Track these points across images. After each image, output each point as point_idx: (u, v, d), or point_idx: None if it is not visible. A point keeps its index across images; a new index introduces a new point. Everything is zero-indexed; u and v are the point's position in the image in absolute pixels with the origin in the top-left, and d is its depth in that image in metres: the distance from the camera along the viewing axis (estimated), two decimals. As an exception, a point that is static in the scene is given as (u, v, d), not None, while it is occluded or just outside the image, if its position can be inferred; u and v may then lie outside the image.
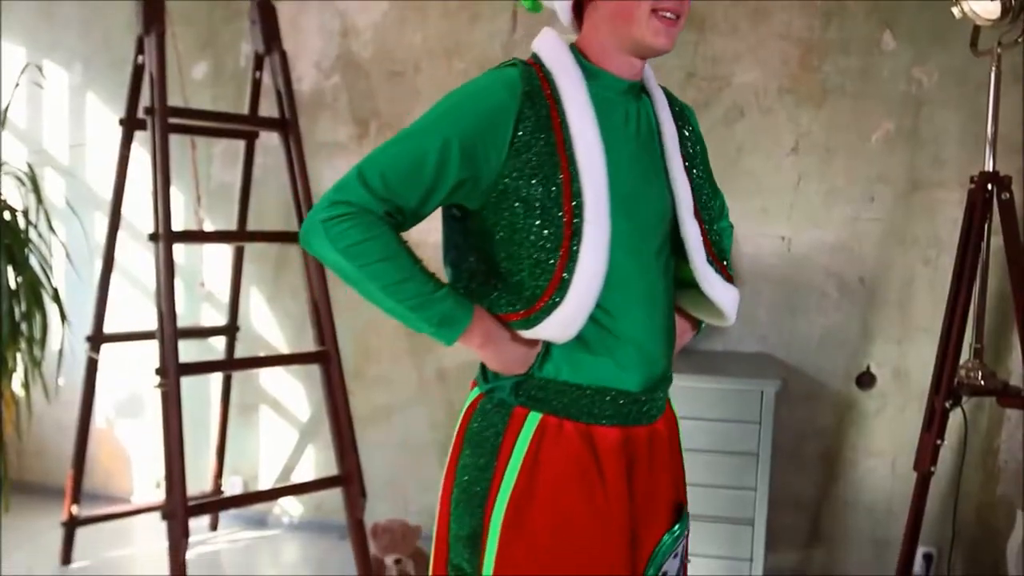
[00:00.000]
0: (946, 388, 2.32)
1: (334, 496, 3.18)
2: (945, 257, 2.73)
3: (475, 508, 1.29)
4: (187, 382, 2.24)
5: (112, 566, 3.02)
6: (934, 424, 2.33)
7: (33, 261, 2.11)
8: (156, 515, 2.20)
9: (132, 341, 2.97)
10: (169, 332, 2.19)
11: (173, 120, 2.43)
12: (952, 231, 2.63)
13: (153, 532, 3.12)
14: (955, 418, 2.51)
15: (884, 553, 2.94)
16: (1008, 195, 2.29)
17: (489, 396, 1.32)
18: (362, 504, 2.43)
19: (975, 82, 2.64)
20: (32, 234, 2.14)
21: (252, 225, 3.11)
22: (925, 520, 2.48)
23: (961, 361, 2.41)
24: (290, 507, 3.44)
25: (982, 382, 2.40)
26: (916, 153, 2.79)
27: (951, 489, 2.84)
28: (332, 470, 2.56)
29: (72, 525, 2.99)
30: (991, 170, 2.32)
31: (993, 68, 2.30)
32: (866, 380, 2.89)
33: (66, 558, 2.99)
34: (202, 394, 3.33)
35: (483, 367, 1.34)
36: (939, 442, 2.33)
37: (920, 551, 2.86)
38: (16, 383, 2.11)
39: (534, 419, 1.26)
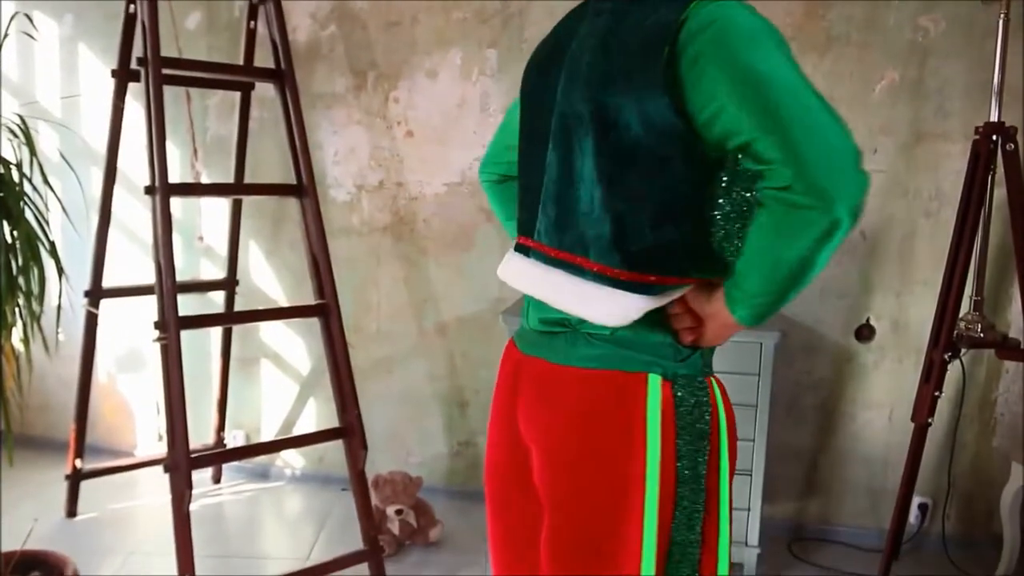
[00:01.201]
0: (945, 340, 2.32)
1: (336, 448, 3.20)
2: (947, 210, 2.72)
3: (699, 491, 1.15)
4: (187, 337, 2.24)
5: (117, 518, 3.05)
6: (932, 376, 2.34)
7: (28, 215, 2.08)
8: (159, 468, 2.21)
9: (131, 296, 2.97)
10: (168, 285, 2.18)
11: (167, 71, 2.39)
12: (955, 183, 2.61)
13: (157, 485, 3.15)
14: (953, 370, 2.52)
15: (880, 503, 2.97)
16: (1013, 146, 2.28)
17: (688, 378, 1.14)
18: (363, 456, 2.44)
19: (982, 31, 2.59)
20: (27, 187, 2.11)
21: (249, 178, 3.09)
22: (921, 471, 2.51)
23: (961, 314, 2.42)
24: (292, 460, 3.47)
25: (981, 335, 2.40)
26: (920, 104, 2.76)
27: (947, 441, 2.87)
28: (333, 423, 2.57)
29: (76, 478, 3.03)
30: (996, 121, 2.30)
31: (1002, 16, 2.26)
32: (865, 333, 2.90)
33: (71, 510, 3.03)
34: (202, 349, 3.34)
35: (666, 348, 1.13)
36: (937, 394, 2.35)
37: (915, 501, 2.89)
38: (16, 338, 2.10)
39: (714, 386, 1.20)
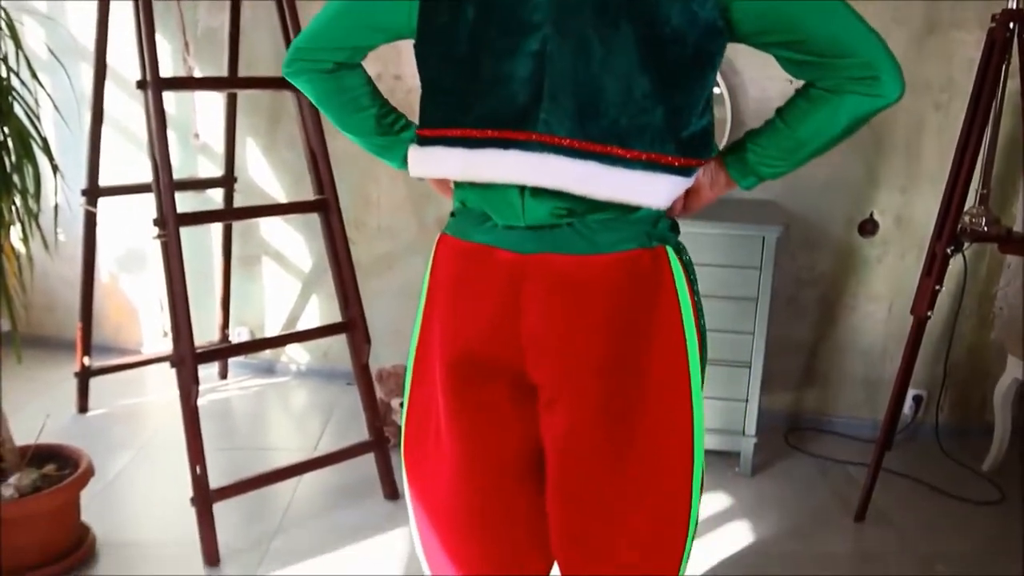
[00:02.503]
0: (949, 234, 2.31)
1: (339, 344, 3.24)
2: (957, 102, 2.66)
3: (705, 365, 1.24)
4: (188, 236, 2.23)
5: (127, 413, 3.12)
6: (934, 270, 2.34)
7: (18, 110, 2.04)
8: (167, 365, 2.25)
9: (129, 194, 2.94)
10: (165, 181, 2.15)
11: (153, -42, 2.29)
12: (967, 74, 2.54)
13: (165, 381, 3.21)
14: (954, 265, 2.52)
15: (875, 394, 3.03)
16: (1029, 33, 2.20)
17: (682, 247, 1.25)
18: (367, 349, 2.47)
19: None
20: (14, 83, 2.06)
21: (243, 74, 3.01)
22: (917, 364, 2.54)
23: (966, 207, 2.40)
24: (297, 356, 3.52)
25: (985, 228, 2.39)
26: (936, -9, 2.66)
27: (945, 334, 2.89)
28: (336, 319, 2.59)
29: (85, 375, 3.08)
30: (1015, 8, 2.22)
31: None
32: (868, 227, 2.88)
33: (82, 406, 3.10)
34: (204, 248, 3.33)
35: (664, 221, 1.21)
36: (937, 288, 2.35)
37: (911, 393, 2.94)
38: (15, 237, 2.10)
39: None
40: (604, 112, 1.09)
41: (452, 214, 1.26)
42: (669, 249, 1.16)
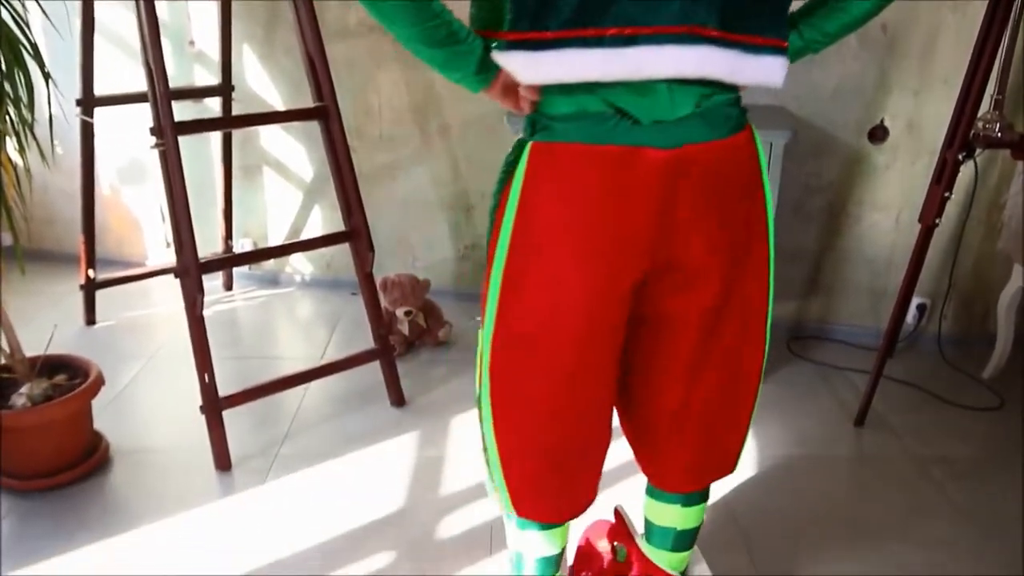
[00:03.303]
0: (961, 140, 2.26)
1: (343, 254, 3.24)
2: (976, 3, 2.57)
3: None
4: (188, 146, 2.19)
5: (134, 325, 3.15)
6: (944, 177, 2.30)
7: (6, 16, 1.98)
8: (172, 277, 2.24)
9: (125, 104, 2.88)
10: (161, 90, 2.10)
11: None
12: (988, -29, 2.44)
13: (170, 294, 3.23)
14: (964, 173, 2.48)
15: (879, 303, 3.03)
16: (1056, -74, 2.11)
17: None
18: (371, 258, 2.46)
19: None
20: (2, -12, 1.99)
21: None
22: (922, 273, 2.53)
23: (980, 113, 2.34)
24: (301, 266, 3.53)
25: (999, 134, 2.34)
26: None
27: (951, 243, 2.88)
28: (339, 229, 2.58)
29: (91, 288, 3.09)
30: (1040, -101, 2.12)
31: None
32: (879, 133, 2.83)
33: (90, 318, 3.12)
34: (204, 158, 3.30)
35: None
36: (947, 195, 2.32)
37: (915, 301, 2.94)
38: (11, 147, 2.06)
39: None
40: (741, 1, 1.14)
41: (543, 126, 1.19)
42: (754, 128, 1.28)
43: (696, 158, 1.17)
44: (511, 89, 1.21)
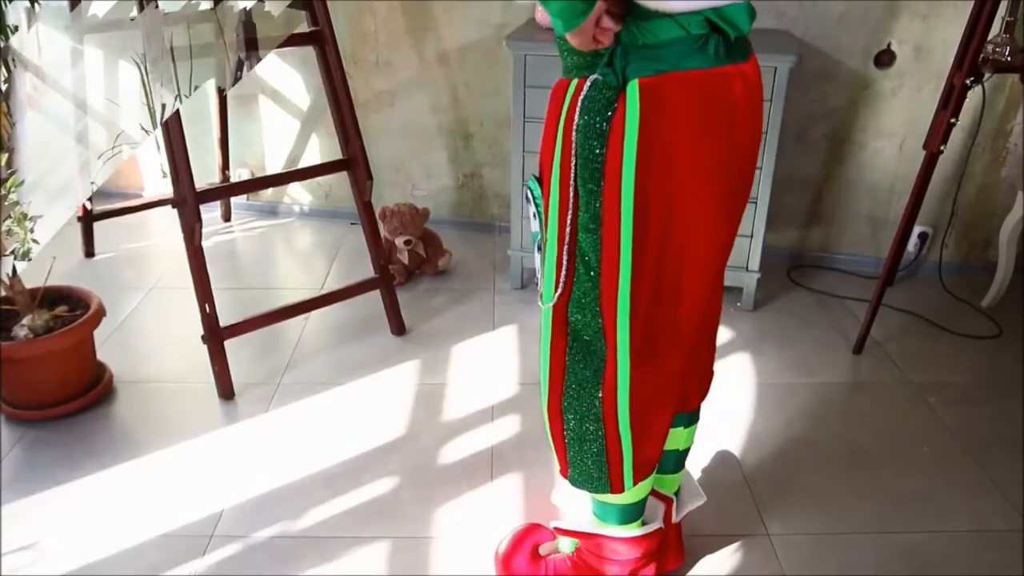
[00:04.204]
0: (970, 63, 2.22)
1: (341, 184, 3.21)
2: (991, -82, 2.48)
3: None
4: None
5: (134, 257, 3.14)
6: (951, 102, 2.26)
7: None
8: (170, 208, 2.22)
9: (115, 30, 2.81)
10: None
11: None
12: None
13: (169, 226, 3.21)
14: (970, 101, 2.44)
15: (880, 232, 3.02)
16: None
17: None
18: (369, 186, 2.43)
19: None
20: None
21: None
22: (925, 200, 2.51)
23: (990, 36, 2.29)
24: (299, 196, 3.50)
25: (1008, 58, 2.29)
26: None
27: (955, 172, 2.85)
28: (337, 158, 2.55)
29: (88, 219, 3.07)
30: None
31: None
32: (885, 59, 2.77)
33: (88, 251, 3.11)
34: (199, 92, 3.23)
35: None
36: (953, 121, 2.28)
37: (916, 230, 2.93)
38: None
39: None
40: None
41: (644, 56, 1.14)
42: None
43: (742, 74, 1.22)
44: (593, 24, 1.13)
